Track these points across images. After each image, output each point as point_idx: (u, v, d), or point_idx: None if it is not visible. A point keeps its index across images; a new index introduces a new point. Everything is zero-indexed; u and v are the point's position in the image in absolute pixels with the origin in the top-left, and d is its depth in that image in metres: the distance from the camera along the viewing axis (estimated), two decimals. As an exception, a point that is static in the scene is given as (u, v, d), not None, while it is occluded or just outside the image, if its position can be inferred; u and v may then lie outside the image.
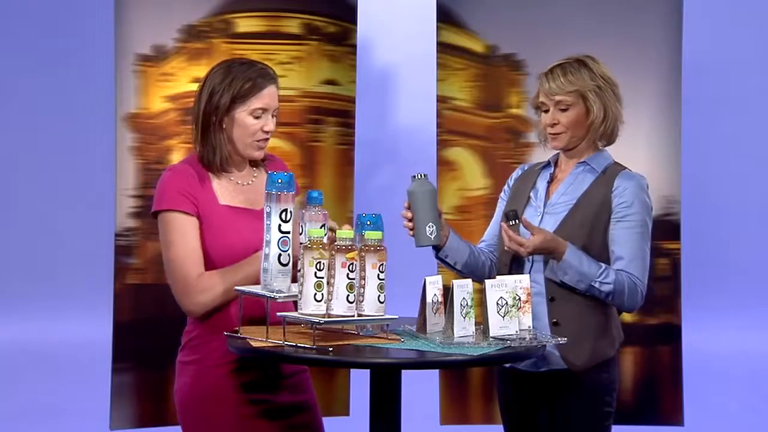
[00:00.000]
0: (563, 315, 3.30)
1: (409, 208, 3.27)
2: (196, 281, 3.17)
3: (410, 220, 3.27)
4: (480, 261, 3.45)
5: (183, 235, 3.19)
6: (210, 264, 3.20)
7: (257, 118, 3.23)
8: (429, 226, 3.25)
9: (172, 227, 3.20)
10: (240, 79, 3.21)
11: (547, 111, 3.38)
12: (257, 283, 3.09)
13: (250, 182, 3.29)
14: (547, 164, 3.49)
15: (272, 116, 3.26)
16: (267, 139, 3.27)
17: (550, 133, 3.39)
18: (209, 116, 3.22)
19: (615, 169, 3.39)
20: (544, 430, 3.38)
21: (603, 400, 3.34)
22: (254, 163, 3.35)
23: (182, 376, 3.26)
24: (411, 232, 3.28)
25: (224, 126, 3.23)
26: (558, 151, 3.46)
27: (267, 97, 3.24)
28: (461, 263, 3.40)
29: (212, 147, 3.24)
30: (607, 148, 3.46)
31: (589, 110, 3.35)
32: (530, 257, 3.34)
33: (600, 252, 3.31)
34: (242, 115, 3.22)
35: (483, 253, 3.49)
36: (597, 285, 3.23)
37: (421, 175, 3.28)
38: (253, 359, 3.13)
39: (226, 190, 3.27)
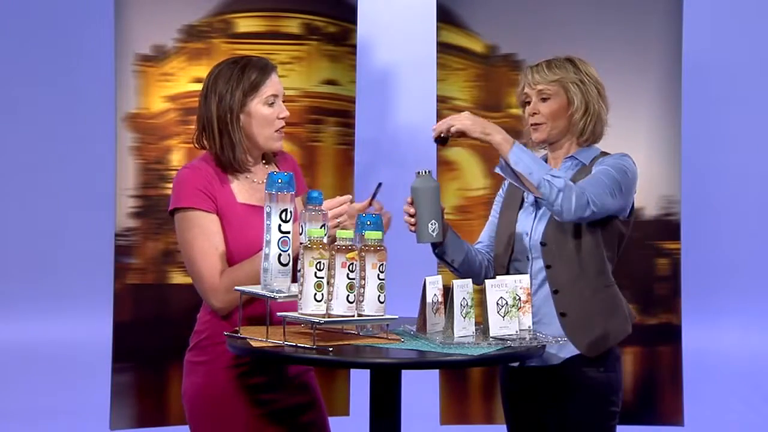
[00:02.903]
0: (569, 305, 3.30)
1: (411, 203, 3.27)
2: (221, 280, 3.17)
3: (412, 216, 3.27)
4: (477, 260, 3.46)
5: (205, 233, 3.19)
6: (231, 262, 3.20)
7: (271, 105, 3.25)
8: (432, 223, 3.24)
9: (192, 225, 3.20)
10: (245, 74, 3.23)
11: (530, 102, 3.40)
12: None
13: (264, 180, 3.29)
14: None
15: (281, 102, 3.29)
16: (283, 127, 3.29)
17: (532, 124, 3.41)
18: (224, 117, 3.22)
19: (601, 155, 3.40)
20: (548, 428, 3.38)
21: (609, 399, 3.34)
22: (266, 161, 3.35)
23: (192, 376, 3.26)
24: (412, 228, 3.28)
25: (241, 123, 3.23)
26: (546, 151, 3.47)
27: (275, 82, 3.28)
28: (458, 261, 3.40)
29: (231, 147, 3.24)
30: (606, 146, 3.46)
31: (570, 102, 3.36)
32: (529, 256, 3.34)
33: (592, 249, 3.30)
34: (257, 106, 3.24)
35: (480, 253, 3.49)
36: (549, 178, 3.16)
37: (425, 171, 3.27)
38: (260, 360, 3.13)
39: (243, 189, 3.27)
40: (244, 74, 3.24)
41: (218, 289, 3.17)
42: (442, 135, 3.23)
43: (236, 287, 3.09)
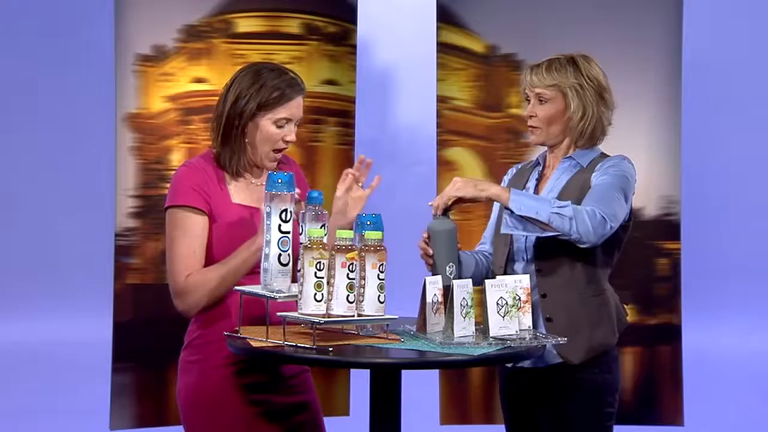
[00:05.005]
0: (556, 310, 3.30)
1: (427, 241, 3.25)
2: (185, 282, 3.18)
3: (430, 257, 3.25)
4: (483, 268, 3.46)
5: (187, 235, 3.19)
6: (221, 261, 3.20)
7: (280, 127, 3.23)
8: (449, 266, 3.22)
9: (178, 224, 3.20)
10: (269, 87, 3.20)
11: (530, 102, 3.40)
12: (247, 272, 3.12)
13: (263, 182, 3.28)
14: (537, 163, 3.49)
15: (295, 125, 3.25)
16: (285, 149, 3.27)
17: (529, 126, 3.40)
18: (232, 120, 3.21)
19: (600, 158, 3.39)
20: (545, 429, 3.38)
21: (605, 400, 3.34)
22: None
23: (186, 375, 3.26)
24: (429, 267, 3.27)
25: (246, 131, 3.22)
26: (545, 149, 3.47)
27: (294, 107, 3.23)
28: (467, 276, 3.39)
29: (231, 150, 3.24)
30: (605, 146, 3.46)
31: (568, 106, 3.35)
32: (524, 257, 3.34)
33: (585, 256, 3.29)
34: (266, 123, 3.21)
35: (485, 258, 3.49)
36: (557, 211, 3.14)
37: (442, 213, 3.24)
38: (254, 360, 3.13)
39: (240, 189, 3.27)
40: (269, 87, 3.20)
41: (181, 292, 3.19)
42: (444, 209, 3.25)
43: (236, 287, 3.10)
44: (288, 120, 3.23)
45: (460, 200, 3.22)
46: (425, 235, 3.25)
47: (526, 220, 3.18)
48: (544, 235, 3.21)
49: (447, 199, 3.22)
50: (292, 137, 3.24)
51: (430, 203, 3.27)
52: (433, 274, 3.21)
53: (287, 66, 3.43)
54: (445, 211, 3.24)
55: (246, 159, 3.25)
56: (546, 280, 3.31)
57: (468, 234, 3.72)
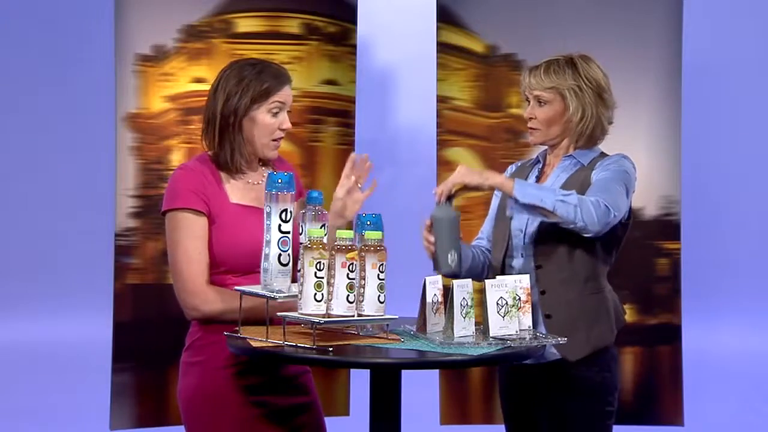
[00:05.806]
0: (554, 307, 3.30)
1: (430, 229, 3.26)
2: (203, 289, 3.18)
3: (432, 244, 3.25)
4: (479, 265, 3.47)
5: (192, 237, 3.20)
6: (220, 261, 3.21)
7: (275, 115, 3.25)
8: (451, 254, 3.23)
9: (181, 226, 3.21)
10: (257, 81, 3.23)
11: (529, 103, 3.41)
12: (257, 316, 3.10)
13: (260, 181, 3.29)
14: (537, 161, 3.50)
15: (287, 113, 3.29)
16: (282, 138, 3.29)
17: (529, 127, 3.41)
18: (227, 118, 3.23)
19: (600, 157, 3.40)
20: (545, 428, 3.39)
21: (604, 399, 3.35)
22: (263, 163, 3.36)
23: (187, 376, 3.26)
24: (430, 255, 3.27)
25: (242, 127, 3.24)
26: (545, 148, 3.48)
27: (285, 95, 3.28)
28: (464, 269, 3.40)
29: (230, 148, 3.25)
30: (605, 146, 3.46)
31: (567, 108, 3.36)
32: (523, 254, 3.34)
33: (585, 253, 3.30)
34: (261, 114, 3.24)
35: (482, 254, 3.50)
36: (561, 198, 3.15)
37: (445, 200, 3.25)
38: (255, 360, 3.13)
39: (237, 189, 3.28)
40: (258, 80, 3.24)
41: (197, 297, 3.18)
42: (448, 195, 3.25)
43: (236, 287, 3.10)
44: (281, 104, 3.26)
45: (464, 188, 3.23)
46: (428, 222, 3.26)
47: (530, 208, 3.19)
48: (548, 220, 3.22)
49: (451, 185, 3.23)
50: (287, 124, 3.29)
51: (434, 191, 3.28)
52: (434, 262, 3.23)
53: (287, 66, 3.45)
54: (449, 199, 3.24)
55: (246, 154, 3.27)
56: (545, 277, 3.32)
57: (468, 234, 3.71)
